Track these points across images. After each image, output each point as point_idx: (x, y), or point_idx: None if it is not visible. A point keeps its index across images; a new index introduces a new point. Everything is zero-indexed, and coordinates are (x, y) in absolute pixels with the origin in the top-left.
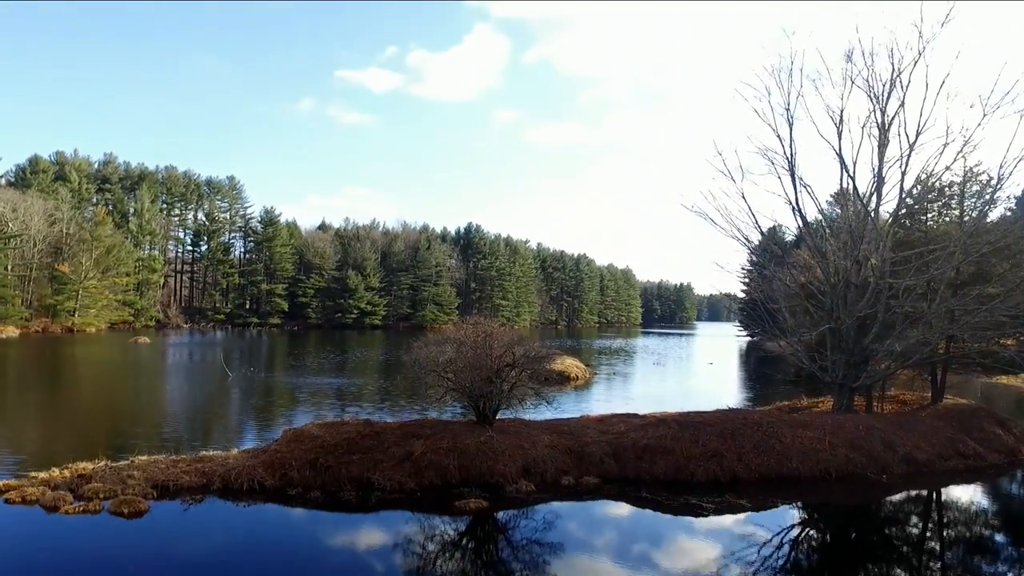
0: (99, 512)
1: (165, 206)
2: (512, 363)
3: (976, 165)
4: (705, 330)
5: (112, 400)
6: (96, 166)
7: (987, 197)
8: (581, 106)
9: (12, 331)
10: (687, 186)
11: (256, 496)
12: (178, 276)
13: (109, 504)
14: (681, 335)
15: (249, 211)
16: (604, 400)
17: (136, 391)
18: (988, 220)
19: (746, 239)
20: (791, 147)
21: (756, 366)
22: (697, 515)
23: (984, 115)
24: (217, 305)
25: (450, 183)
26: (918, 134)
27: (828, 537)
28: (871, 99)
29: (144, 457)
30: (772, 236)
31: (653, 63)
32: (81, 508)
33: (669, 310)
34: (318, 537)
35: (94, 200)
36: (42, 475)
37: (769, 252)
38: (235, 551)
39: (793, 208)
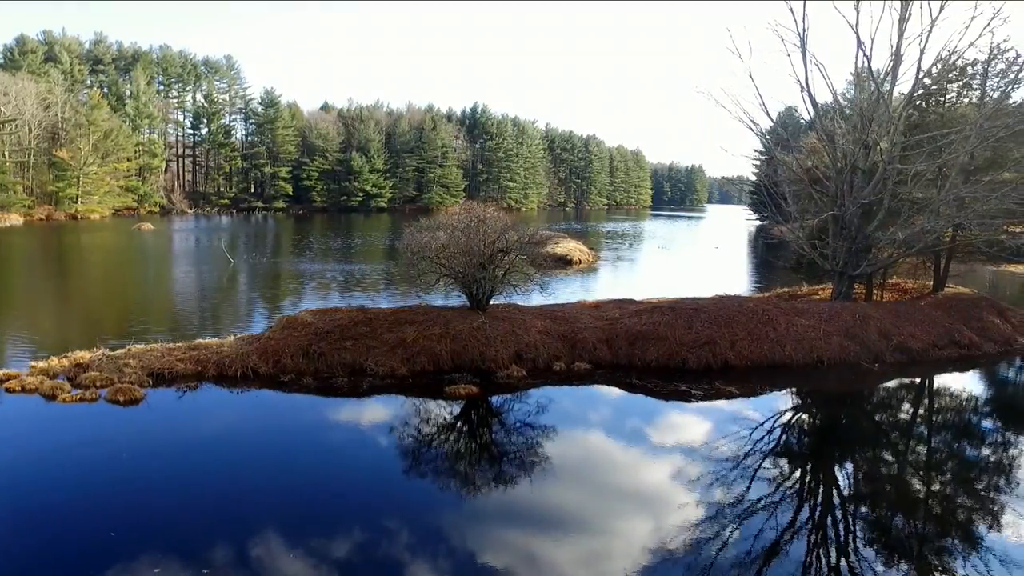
0: (96, 400)
1: (162, 88)
2: (505, 248)
3: (1004, 41)
4: (715, 213)
5: (113, 288)
6: (87, 46)
7: (1012, 76)
8: None
9: (16, 219)
10: (696, 65)
11: (250, 383)
12: (180, 161)
13: (106, 392)
14: (690, 218)
15: (248, 92)
16: (606, 285)
17: (138, 278)
18: (1010, 102)
19: (753, 122)
20: (804, 22)
21: (763, 252)
22: (686, 401)
23: None
24: (221, 189)
25: (453, 64)
26: (942, 5)
27: (817, 421)
28: None
29: (140, 346)
30: (784, 120)
31: None
32: (78, 396)
33: (680, 192)
34: (311, 420)
35: (88, 82)
36: (41, 364)
37: (778, 136)
38: (229, 435)
39: (802, 88)
